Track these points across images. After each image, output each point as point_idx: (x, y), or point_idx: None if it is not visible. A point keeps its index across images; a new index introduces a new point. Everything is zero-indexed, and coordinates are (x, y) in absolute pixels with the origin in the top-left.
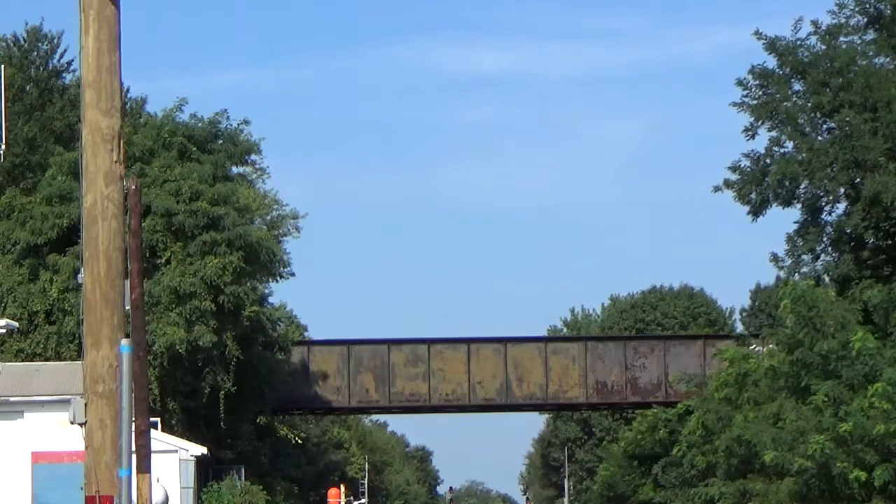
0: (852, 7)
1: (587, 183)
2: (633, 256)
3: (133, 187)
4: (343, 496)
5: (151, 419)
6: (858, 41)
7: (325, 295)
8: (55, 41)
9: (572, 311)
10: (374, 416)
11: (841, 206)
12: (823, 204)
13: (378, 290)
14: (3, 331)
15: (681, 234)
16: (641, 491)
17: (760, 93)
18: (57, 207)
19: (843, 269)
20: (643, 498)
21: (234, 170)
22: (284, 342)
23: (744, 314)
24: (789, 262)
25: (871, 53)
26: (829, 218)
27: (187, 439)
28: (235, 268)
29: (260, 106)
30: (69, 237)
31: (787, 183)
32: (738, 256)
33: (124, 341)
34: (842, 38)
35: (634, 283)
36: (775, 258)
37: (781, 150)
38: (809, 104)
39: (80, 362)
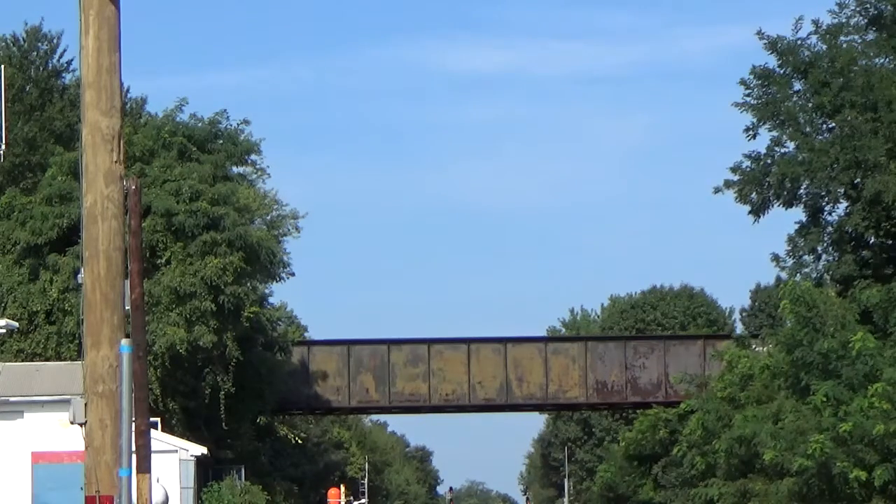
0: (853, 7)
1: (587, 182)
2: (633, 256)
3: (133, 187)
4: (343, 496)
5: (151, 419)
6: (859, 41)
7: (325, 295)
8: (55, 41)
9: (571, 311)
10: (374, 416)
11: (842, 206)
12: (824, 204)
13: (378, 289)
14: (3, 331)
15: (681, 234)
16: (641, 491)
17: (762, 93)
18: (57, 207)
19: (844, 269)
20: (643, 498)
21: (234, 170)
22: (284, 342)
23: (744, 314)
24: (791, 262)
25: (871, 53)
26: (830, 218)
27: (187, 439)
28: (236, 268)
29: (260, 106)
30: (69, 237)
31: (788, 183)
32: (738, 256)
33: (124, 341)
34: (842, 38)
35: (634, 283)
36: (776, 258)
37: (782, 151)
38: (810, 104)
39: (80, 362)
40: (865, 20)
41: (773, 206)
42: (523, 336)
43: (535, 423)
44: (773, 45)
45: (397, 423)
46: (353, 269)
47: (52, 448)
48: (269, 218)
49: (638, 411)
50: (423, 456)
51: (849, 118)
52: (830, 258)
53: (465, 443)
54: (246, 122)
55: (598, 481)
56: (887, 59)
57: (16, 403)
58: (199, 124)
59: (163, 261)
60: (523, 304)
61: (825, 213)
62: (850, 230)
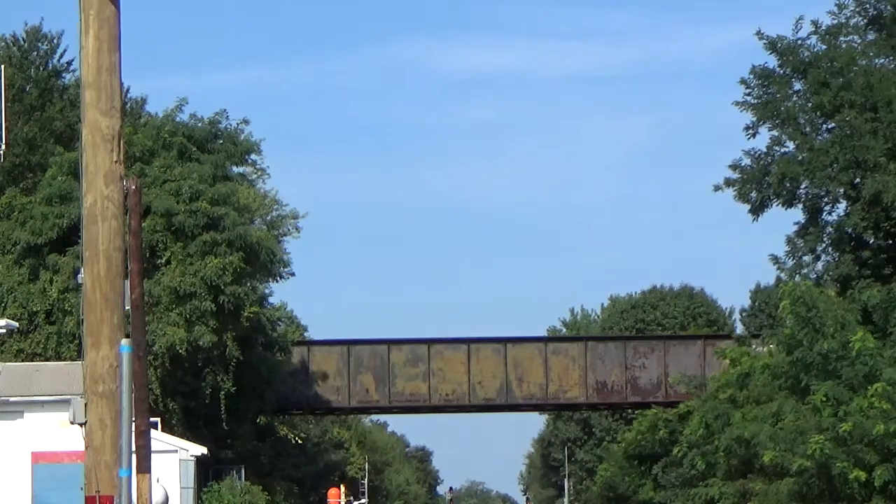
0: (852, 8)
1: (587, 182)
2: (633, 256)
3: (133, 187)
4: (343, 496)
5: (151, 419)
6: (858, 41)
7: (325, 295)
8: (55, 41)
9: (572, 311)
10: (374, 416)
11: (841, 206)
12: (824, 204)
13: (378, 289)
14: (3, 331)
15: (681, 234)
16: (641, 491)
17: (761, 92)
18: (57, 207)
19: (843, 269)
20: (643, 498)
21: (234, 170)
22: (284, 342)
23: (744, 314)
24: (790, 263)
25: (871, 53)
26: (829, 218)
27: (187, 439)
28: (235, 268)
29: (260, 106)
30: (69, 237)
31: (787, 183)
32: (738, 256)
33: (124, 341)
34: (842, 39)
35: (634, 283)
36: (776, 259)
37: (782, 150)
38: (810, 104)
39: (80, 362)
40: (865, 20)
41: (772, 205)
42: (523, 336)
43: (535, 423)
44: (773, 45)
45: (397, 423)
46: (352, 269)
47: (52, 448)
48: (269, 218)
49: (638, 411)
50: (423, 456)
51: (848, 118)
52: (830, 258)
53: (465, 443)
54: (246, 121)
55: (598, 481)
56: (887, 59)
57: (16, 403)
58: (199, 124)
59: (163, 261)
60: (523, 304)
61: (824, 213)
62: (849, 230)
